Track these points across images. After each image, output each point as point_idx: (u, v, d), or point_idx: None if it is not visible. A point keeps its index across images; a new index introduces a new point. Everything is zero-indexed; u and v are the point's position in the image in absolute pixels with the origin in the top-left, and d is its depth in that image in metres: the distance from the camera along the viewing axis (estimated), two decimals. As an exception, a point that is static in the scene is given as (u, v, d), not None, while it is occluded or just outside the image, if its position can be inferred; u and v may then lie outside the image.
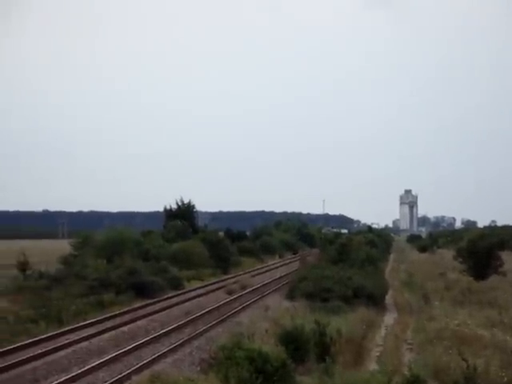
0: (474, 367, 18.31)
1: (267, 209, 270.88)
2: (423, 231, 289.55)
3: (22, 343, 25.77)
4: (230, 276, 60.25)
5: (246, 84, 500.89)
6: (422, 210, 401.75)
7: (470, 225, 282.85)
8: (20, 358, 22.94)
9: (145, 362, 22.84)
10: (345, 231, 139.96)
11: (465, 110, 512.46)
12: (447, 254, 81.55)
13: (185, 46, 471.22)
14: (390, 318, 35.49)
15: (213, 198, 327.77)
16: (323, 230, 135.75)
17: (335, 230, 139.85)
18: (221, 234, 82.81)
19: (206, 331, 29.91)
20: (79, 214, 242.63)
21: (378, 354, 25.52)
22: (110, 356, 23.85)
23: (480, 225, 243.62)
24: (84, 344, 26.49)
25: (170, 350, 25.42)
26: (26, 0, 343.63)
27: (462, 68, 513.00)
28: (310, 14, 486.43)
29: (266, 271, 69.14)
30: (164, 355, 24.43)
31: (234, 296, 43.67)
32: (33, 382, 20.55)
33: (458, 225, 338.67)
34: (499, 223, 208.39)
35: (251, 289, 47.98)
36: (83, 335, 27.89)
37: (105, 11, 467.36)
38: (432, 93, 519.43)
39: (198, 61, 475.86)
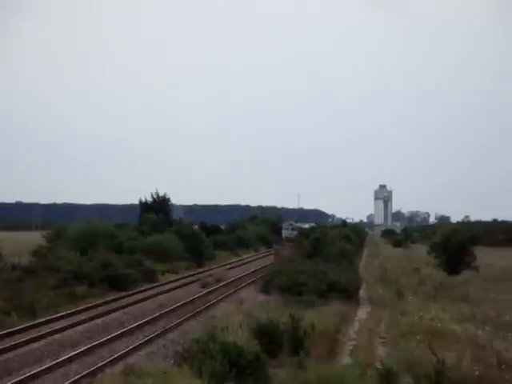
0: (443, 361, 18.45)
1: (242, 202, 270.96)
2: (397, 226, 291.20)
3: (-5, 335, 25.64)
4: (204, 269, 60.23)
5: (227, 81, 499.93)
6: (396, 205, 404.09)
7: (443, 220, 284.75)
8: (-8, 350, 22.84)
9: (118, 354, 22.80)
10: (308, 225, 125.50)
11: (442, 107, 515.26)
12: (421, 249, 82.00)
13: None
14: (363, 312, 35.61)
15: (188, 191, 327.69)
16: (284, 224, 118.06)
17: (299, 224, 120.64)
18: (195, 227, 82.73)
19: (179, 324, 29.91)
20: (53, 206, 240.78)
21: (351, 347, 25.62)
22: (83, 348, 23.78)
23: (453, 220, 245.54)
24: (57, 336, 26.42)
25: (144, 342, 25.39)
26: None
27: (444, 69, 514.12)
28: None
29: (241, 265, 69.17)
30: (138, 348, 24.40)
31: (209, 289, 43.65)
32: (6, 373, 20.42)
33: (432, 220, 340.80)
34: (472, 218, 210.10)
35: (226, 282, 48.00)
36: (56, 327, 27.82)
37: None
38: (410, 91, 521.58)
39: (182, 58, 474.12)
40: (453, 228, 63.34)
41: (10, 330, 26.72)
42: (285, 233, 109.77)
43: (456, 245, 54.15)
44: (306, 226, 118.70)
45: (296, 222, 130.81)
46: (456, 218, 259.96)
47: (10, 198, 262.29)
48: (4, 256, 44.63)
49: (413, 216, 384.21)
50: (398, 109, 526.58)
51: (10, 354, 22.84)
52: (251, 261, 76.73)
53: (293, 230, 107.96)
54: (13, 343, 24.26)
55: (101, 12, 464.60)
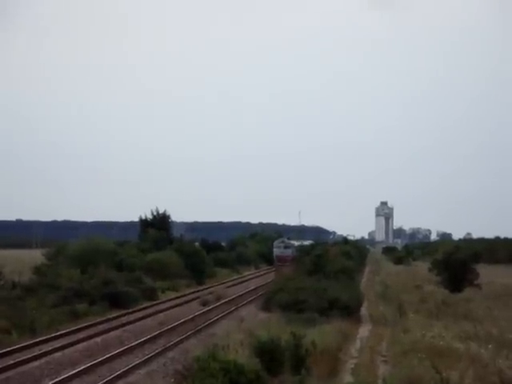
0: (448, 380, 18.31)
1: (243, 220, 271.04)
2: (399, 243, 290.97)
3: (-6, 353, 25.52)
4: (205, 287, 60.11)
5: (227, 93, 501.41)
6: (397, 222, 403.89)
7: (445, 237, 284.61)
8: (-8, 369, 22.72)
9: (118, 373, 22.64)
10: (307, 243, 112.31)
11: (443, 123, 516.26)
12: (422, 266, 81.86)
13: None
14: (365, 330, 35.43)
15: (188, 209, 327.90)
16: (275, 242, 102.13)
17: (293, 241, 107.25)
18: (196, 244, 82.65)
19: (180, 342, 29.74)
20: (53, 224, 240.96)
21: (352, 366, 25.44)
22: (83, 367, 23.61)
23: (455, 237, 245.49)
24: (57, 355, 26.27)
25: (144, 361, 25.22)
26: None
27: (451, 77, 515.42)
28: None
29: (242, 282, 69.04)
30: (137, 366, 24.22)
31: (209, 307, 43.49)
32: (5, 393, 20.32)
33: (434, 237, 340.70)
34: (474, 236, 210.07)
35: (226, 300, 47.83)
36: (56, 346, 27.67)
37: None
38: (411, 106, 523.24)
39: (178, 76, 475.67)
40: (455, 245, 63.29)
41: (9, 349, 26.59)
42: (276, 251, 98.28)
43: (458, 262, 53.98)
44: (306, 243, 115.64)
45: (289, 238, 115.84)
46: (458, 235, 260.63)
47: (10, 216, 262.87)
48: (4, 274, 44.52)
49: (414, 233, 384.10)
50: (399, 125, 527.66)
51: (10, 373, 22.71)
52: (252, 278, 76.59)
53: (286, 247, 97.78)
54: (12, 362, 24.13)
55: (99, 23, 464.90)
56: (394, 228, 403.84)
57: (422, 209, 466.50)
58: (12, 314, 32.72)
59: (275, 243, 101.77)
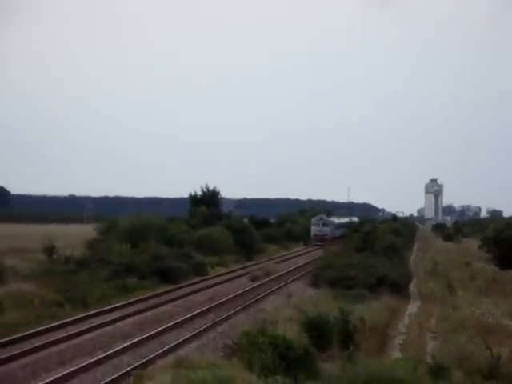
0: (498, 356, 18.29)
1: (292, 196, 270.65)
2: (448, 220, 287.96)
3: (48, 326, 26.06)
4: (253, 263, 60.33)
5: (265, 72, 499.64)
6: (447, 199, 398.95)
7: (495, 214, 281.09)
8: (46, 341, 23.25)
9: (169, 346, 23.01)
10: (354, 219, 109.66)
11: (490, 101, 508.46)
12: (472, 244, 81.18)
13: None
14: (413, 307, 35.43)
15: (238, 185, 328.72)
16: (313, 219, 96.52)
17: (333, 219, 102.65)
18: (245, 220, 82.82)
19: (229, 317, 30.03)
20: (105, 199, 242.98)
21: (401, 342, 25.53)
22: (134, 340, 24.05)
23: (506, 214, 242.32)
24: (109, 328, 26.73)
25: (194, 335, 25.57)
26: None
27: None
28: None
29: (290, 258, 69.10)
30: (188, 340, 24.59)
31: (258, 283, 43.72)
32: (59, 364, 20.76)
33: (484, 214, 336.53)
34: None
35: (275, 276, 47.99)
36: (108, 319, 28.15)
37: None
38: (459, 85, 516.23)
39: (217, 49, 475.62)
40: (505, 222, 62.74)
41: (63, 322, 27.14)
42: (314, 230, 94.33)
43: (508, 239, 53.52)
44: (355, 219, 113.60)
45: (328, 215, 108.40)
46: (508, 212, 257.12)
47: (63, 192, 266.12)
48: (57, 248, 45.26)
49: (464, 210, 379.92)
50: (448, 102, 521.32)
51: (63, 345, 23.20)
52: (300, 254, 76.59)
53: (324, 225, 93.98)
54: (65, 334, 24.63)
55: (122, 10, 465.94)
56: (444, 205, 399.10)
57: (472, 186, 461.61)
58: (65, 287, 33.31)
59: (312, 220, 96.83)
